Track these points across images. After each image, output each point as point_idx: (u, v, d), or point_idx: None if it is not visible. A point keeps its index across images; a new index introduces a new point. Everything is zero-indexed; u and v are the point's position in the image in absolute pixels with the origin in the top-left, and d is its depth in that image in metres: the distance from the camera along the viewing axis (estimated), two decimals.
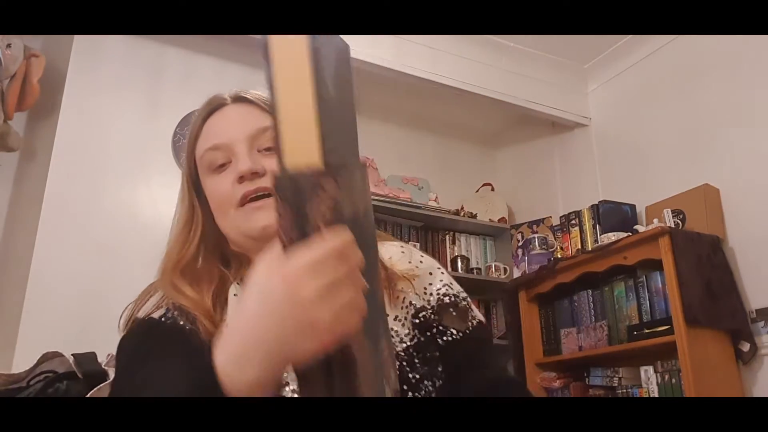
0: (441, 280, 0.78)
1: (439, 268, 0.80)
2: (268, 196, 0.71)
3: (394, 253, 0.79)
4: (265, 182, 0.71)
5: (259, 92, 0.80)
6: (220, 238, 0.77)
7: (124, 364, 0.67)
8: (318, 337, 0.43)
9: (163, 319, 0.69)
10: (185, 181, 0.80)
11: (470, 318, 0.76)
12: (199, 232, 0.77)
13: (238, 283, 0.72)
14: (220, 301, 0.71)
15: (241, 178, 0.71)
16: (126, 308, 0.74)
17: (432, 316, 0.75)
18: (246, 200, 0.71)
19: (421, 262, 0.79)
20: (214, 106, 0.79)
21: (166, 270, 0.74)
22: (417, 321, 0.74)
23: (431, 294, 0.76)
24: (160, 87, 2.54)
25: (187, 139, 0.80)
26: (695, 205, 2.46)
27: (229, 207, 0.73)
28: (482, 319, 0.79)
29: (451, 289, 0.78)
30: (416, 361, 0.70)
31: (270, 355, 0.45)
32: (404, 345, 0.71)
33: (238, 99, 0.79)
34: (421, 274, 0.77)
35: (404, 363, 0.69)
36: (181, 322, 0.68)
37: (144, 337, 0.68)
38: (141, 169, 2.42)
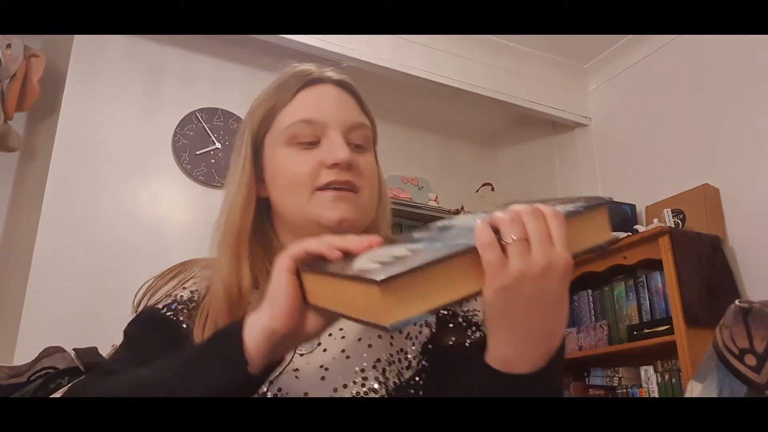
0: None
1: None
2: (352, 190, 0.70)
3: None
4: (353, 177, 0.70)
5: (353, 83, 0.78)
6: (266, 212, 0.75)
7: (124, 349, 0.69)
8: None
9: (165, 310, 0.70)
10: (248, 146, 0.75)
11: (471, 333, 0.72)
12: (254, 200, 0.73)
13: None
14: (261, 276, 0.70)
15: (335, 166, 0.69)
16: (143, 285, 0.74)
17: (432, 330, 0.72)
18: (329, 187, 0.69)
19: None
20: (311, 79, 0.75)
21: (230, 235, 0.71)
22: (425, 341, 0.71)
23: None
24: (160, 87, 2.54)
25: (268, 103, 0.75)
26: (695, 204, 2.46)
27: (305, 188, 0.70)
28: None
29: None
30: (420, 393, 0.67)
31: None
32: (411, 372, 0.68)
33: (340, 83, 0.76)
34: None
35: (411, 392, 0.67)
36: (181, 318, 0.69)
37: (144, 329, 0.69)
38: (141, 169, 2.42)
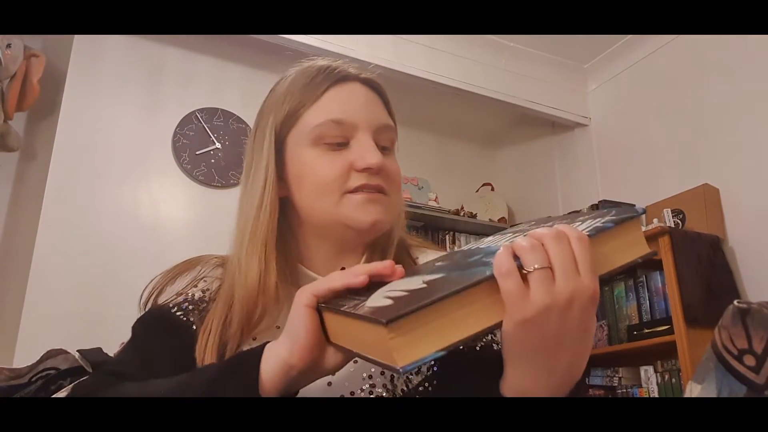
0: None
1: None
2: (382, 193, 0.69)
3: None
4: (382, 180, 0.69)
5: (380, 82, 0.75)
6: (282, 212, 0.72)
7: (131, 348, 0.68)
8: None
9: (175, 310, 0.68)
10: (271, 145, 0.72)
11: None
12: (277, 202, 0.71)
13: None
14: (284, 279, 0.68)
15: (366, 170, 0.67)
16: (150, 283, 0.72)
17: None
18: (359, 190, 0.68)
19: None
20: (339, 77, 0.72)
21: (259, 240, 0.68)
22: None
23: None
24: (160, 87, 2.54)
25: (290, 100, 0.72)
26: (695, 204, 2.46)
27: (334, 191, 0.68)
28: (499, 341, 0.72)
29: None
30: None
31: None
32: (420, 377, 0.66)
33: (367, 82, 0.73)
34: None
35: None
36: (192, 319, 0.68)
37: (152, 329, 0.68)
38: (141, 169, 2.42)
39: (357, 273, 0.51)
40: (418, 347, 0.41)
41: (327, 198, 0.68)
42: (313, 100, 0.70)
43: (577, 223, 0.48)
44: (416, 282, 0.47)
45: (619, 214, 0.49)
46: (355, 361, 0.65)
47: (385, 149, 0.72)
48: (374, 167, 0.67)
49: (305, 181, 0.69)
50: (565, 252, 0.44)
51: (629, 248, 0.48)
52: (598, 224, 0.47)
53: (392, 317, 0.40)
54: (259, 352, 0.53)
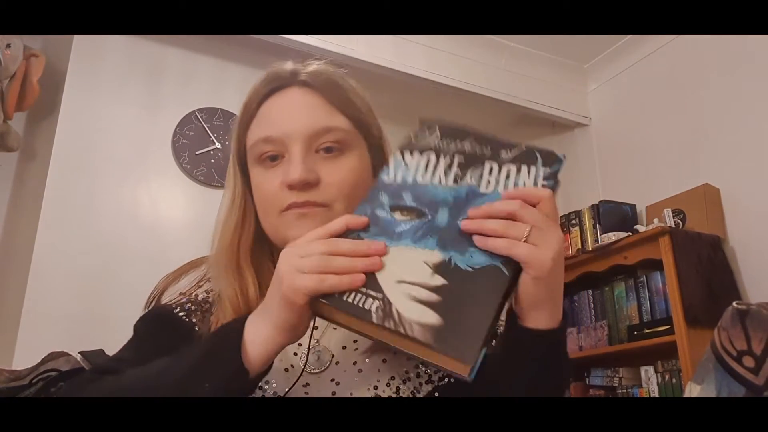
0: None
1: None
2: (318, 206, 0.66)
3: None
4: (316, 194, 0.66)
5: (330, 74, 0.72)
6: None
7: (131, 347, 0.68)
8: None
9: (178, 310, 0.68)
10: (235, 162, 0.73)
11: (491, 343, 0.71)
12: (252, 212, 0.71)
13: None
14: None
15: (291, 186, 0.65)
16: (158, 284, 0.72)
17: None
18: (290, 207, 0.66)
19: None
20: (274, 86, 0.70)
21: (230, 247, 0.69)
22: None
23: None
24: (160, 87, 2.54)
25: (239, 117, 0.73)
26: (695, 204, 2.46)
27: (273, 209, 0.67)
28: None
29: None
30: None
31: None
32: (430, 386, 0.65)
33: (306, 83, 0.70)
34: None
35: None
36: (194, 320, 0.68)
37: (153, 328, 0.68)
38: (141, 169, 2.42)
39: (354, 281, 0.51)
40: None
41: (267, 217, 0.69)
42: (250, 118, 0.71)
43: (510, 168, 0.59)
44: (423, 271, 0.51)
45: (549, 164, 0.59)
46: (360, 371, 0.64)
47: (330, 150, 0.68)
48: (295, 184, 0.65)
49: (256, 199, 0.71)
50: (535, 213, 0.53)
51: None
52: (544, 180, 0.57)
53: (473, 365, 0.46)
54: (239, 327, 0.54)
